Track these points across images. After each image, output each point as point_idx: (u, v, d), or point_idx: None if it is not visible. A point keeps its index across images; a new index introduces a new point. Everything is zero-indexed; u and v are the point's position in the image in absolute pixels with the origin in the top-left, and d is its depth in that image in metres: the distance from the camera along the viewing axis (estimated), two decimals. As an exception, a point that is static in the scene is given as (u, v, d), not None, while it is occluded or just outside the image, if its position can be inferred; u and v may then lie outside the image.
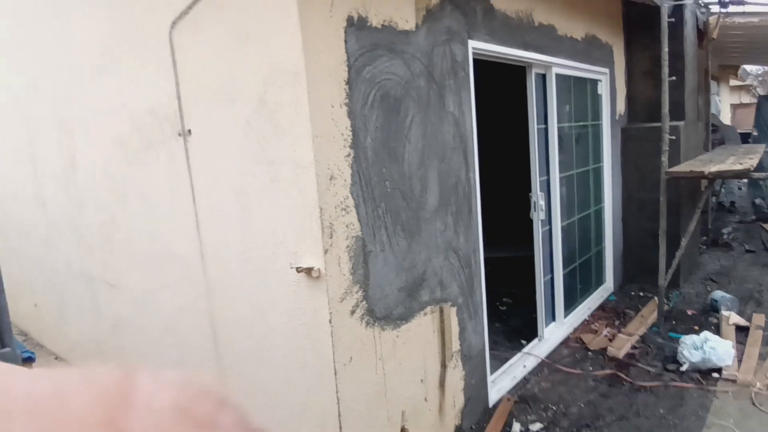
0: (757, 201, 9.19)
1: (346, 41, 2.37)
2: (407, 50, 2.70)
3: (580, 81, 4.75)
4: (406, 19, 2.67)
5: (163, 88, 2.89)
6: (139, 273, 3.54)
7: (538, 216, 4.29)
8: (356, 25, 2.41)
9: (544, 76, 4.14)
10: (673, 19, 4.70)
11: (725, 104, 15.15)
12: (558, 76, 4.23)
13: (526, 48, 3.70)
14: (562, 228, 4.62)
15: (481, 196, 3.36)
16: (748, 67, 15.85)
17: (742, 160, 5.29)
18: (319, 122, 2.27)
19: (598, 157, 5.33)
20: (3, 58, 4.62)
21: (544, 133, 4.25)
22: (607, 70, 5.17)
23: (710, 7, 8.77)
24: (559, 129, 4.38)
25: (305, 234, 2.36)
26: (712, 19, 7.71)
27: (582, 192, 5.04)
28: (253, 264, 2.67)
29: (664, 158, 4.74)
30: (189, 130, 2.83)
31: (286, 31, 2.20)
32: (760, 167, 6.89)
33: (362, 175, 2.50)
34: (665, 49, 4.53)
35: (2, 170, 5.10)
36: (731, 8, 7.27)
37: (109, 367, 0.24)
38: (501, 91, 5.88)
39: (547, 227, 4.47)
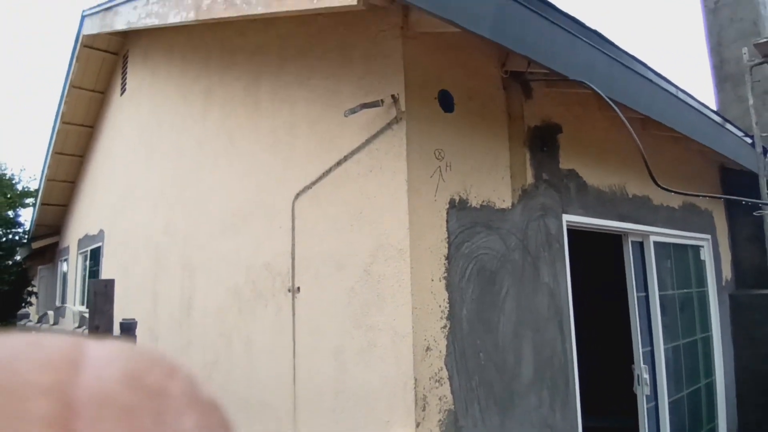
0: None
1: (447, 221, 2.60)
2: (503, 226, 2.87)
3: (681, 248, 4.64)
4: (503, 199, 2.89)
5: (280, 248, 3.25)
6: (233, 418, 3.66)
7: (642, 390, 3.99)
8: (457, 206, 2.65)
9: (641, 243, 4.12)
10: (778, 190, 4.59)
11: None
12: (656, 243, 4.19)
13: (621, 219, 3.76)
14: (669, 404, 4.22)
15: (579, 367, 3.24)
16: None
17: None
18: (419, 295, 2.42)
19: (705, 325, 4.98)
20: (149, 201, 5.43)
21: (645, 301, 4.11)
22: (708, 236, 5.03)
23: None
24: (661, 297, 4.22)
25: (398, 403, 2.40)
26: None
27: (690, 364, 4.65)
28: (344, 425, 2.71)
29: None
30: (298, 288, 3.10)
31: (396, 212, 2.47)
32: None
33: (457, 347, 2.55)
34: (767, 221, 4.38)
35: (127, 301, 5.72)
36: None
37: (60, 335, 0.24)
38: (599, 258, 5.84)
39: (653, 403, 4.11)
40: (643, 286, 4.10)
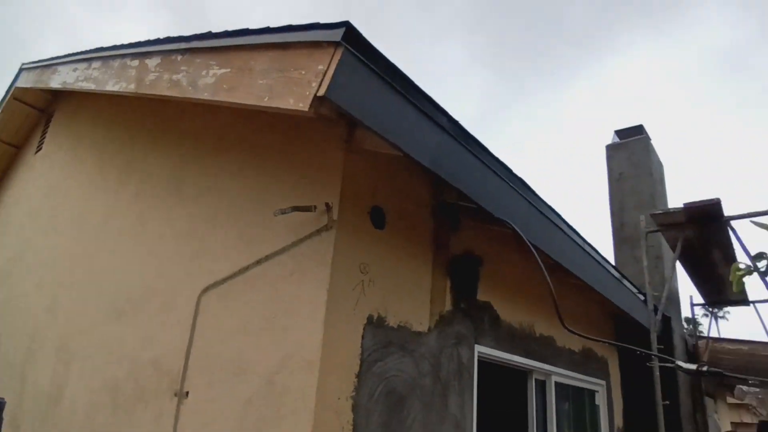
0: None
1: (363, 337, 2.51)
2: (418, 350, 2.82)
3: (579, 390, 4.77)
4: (421, 322, 2.87)
5: (174, 345, 2.96)
6: None
7: None
8: (375, 323, 2.59)
9: (544, 382, 4.20)
10: (662, 346, 4.95)
11: (725, 422, 14.71)
12: (557, 384, 4.28)
13: (528, 355, 3.85)
14: None
15: None
16: (745, 387, 15.85)
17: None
18: (323, 413, 2.25)
19: (598, 473, 5.00)
20: (38, 270, 4.87)
21: (543, 442, 4.09)
22: (603, 382, 5.23)
23: (699, 328, 9.25)
24: (558, 439, 4.22)
25: None
26: (701, 343, 8.09)
27: None
28: None
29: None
30: (187, 392, 2.80)
31: (312, 321, 2.36)
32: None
33: None
34: (657, 373, 4.66)
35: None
36: (717, 332, 7.68)
37: None
38: (502, 393, 5.84)
39: None
40: (543, 424, 4.10)
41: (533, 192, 3.34)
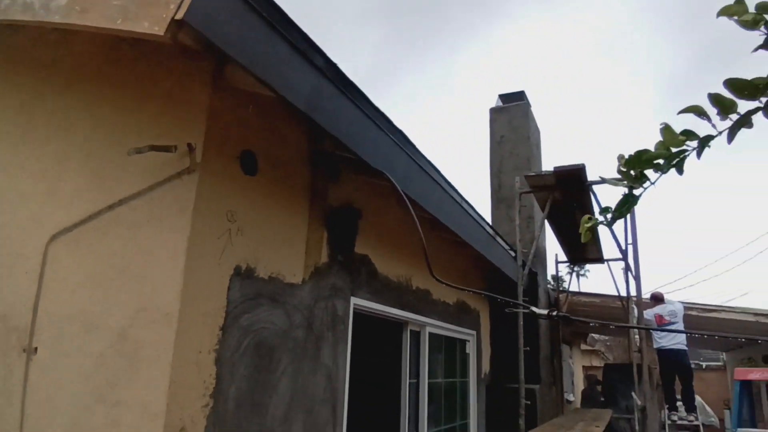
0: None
1: (229, 288, 2.40)
2: (290, 301, 2.77)
3: (451, 340, 5.06)
4: (294, 273, 2.81)
5: (22, 298, 2.64)
6: None
7: (402, 477, 4.05)
8: (243, 275, 2.48)
9: (418, 333, 4.38)
10: (527, 299, 5.39)
11: (578, 367, 16.65)
12: (431, 334, 4.50)
13: (404, 308, 3.97)
14: (427, 493, 4.36)
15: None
16: (596, 335, 18.00)
17: (589, 427, 5.59)
18: (181, 367, 2.13)
19: (465, 413, 5.40)
20: None
21: (416, 388, 4.30)
22: (474, 332, 5.60)
23: (560, 283, 10.25)
24: (430, 384, 4.47)
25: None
26: (562, 297, 8.98)
27: (448, 452, 4.93)
28: None
29: (521, 422, 4.91)
30: (35, 348, 2.52)
31: (169, 271, 2.19)
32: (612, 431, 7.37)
33: (218, 429, 2.28)
34: (521, 322, 5.07)
35: None
36: (574, 286, 8.60)
37: None
38: (377, 346, 6.03)
39: (411, 491, 4.20)
40: (416, 372, 4.30)
41: (414, 146, 3.36)
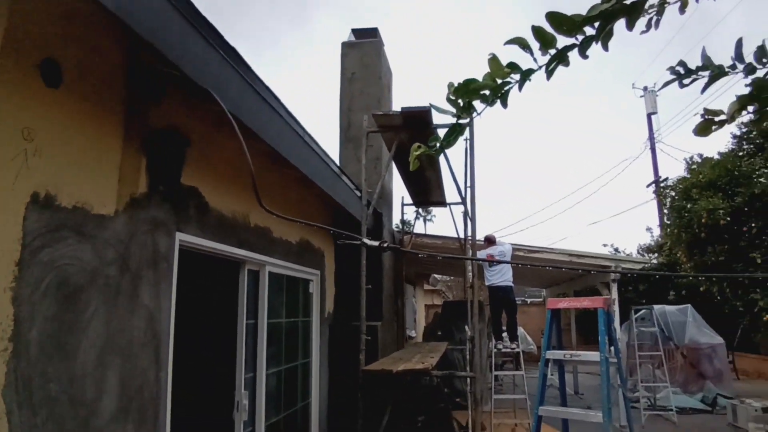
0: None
1: (26, 218, 2.01)
2: (100, 235, 2.43)
3: (294, 280, 5.00)
4: (104, 204, 2.45)
5: None
6: None
7: (240, 417, 3.98)
8: (41, 203, 2.09)
9: (257, 273, 4.23)
10: (371, 237, 5.51)
11: (420, 305, 17.97)
12: (271, 274, 4.38)
13: (241, 246, 3.77)
14: (266, 427, 4.36)
15: (178, 396, 2.97)
16: (438, 276, 19.49)
17: (425, 358, 6.06)
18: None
19: (307, 352, 5.46)
20: None
21: (254, 329, 4.19)
22: (318, 272, 5.61)
23: (408, 227, 10.75)
24: (270, 324, 4.39)
25: None
26: (406, 237, 9.43)
27: (289, 388, 4.97)
28: None
29: (362, 356, 5.12)
30: None
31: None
32: (447, 361, 8.11)
33: (20, 375, 1.98)
34: (363, 261, 5.19)
35: None
36: (421, 230, 9.09)
37: None
38: (212, 286, 5.76)
39: (250, 428, 4.16)
40: (254, 313, 4.18)
41: (250, 69, 3.09)
